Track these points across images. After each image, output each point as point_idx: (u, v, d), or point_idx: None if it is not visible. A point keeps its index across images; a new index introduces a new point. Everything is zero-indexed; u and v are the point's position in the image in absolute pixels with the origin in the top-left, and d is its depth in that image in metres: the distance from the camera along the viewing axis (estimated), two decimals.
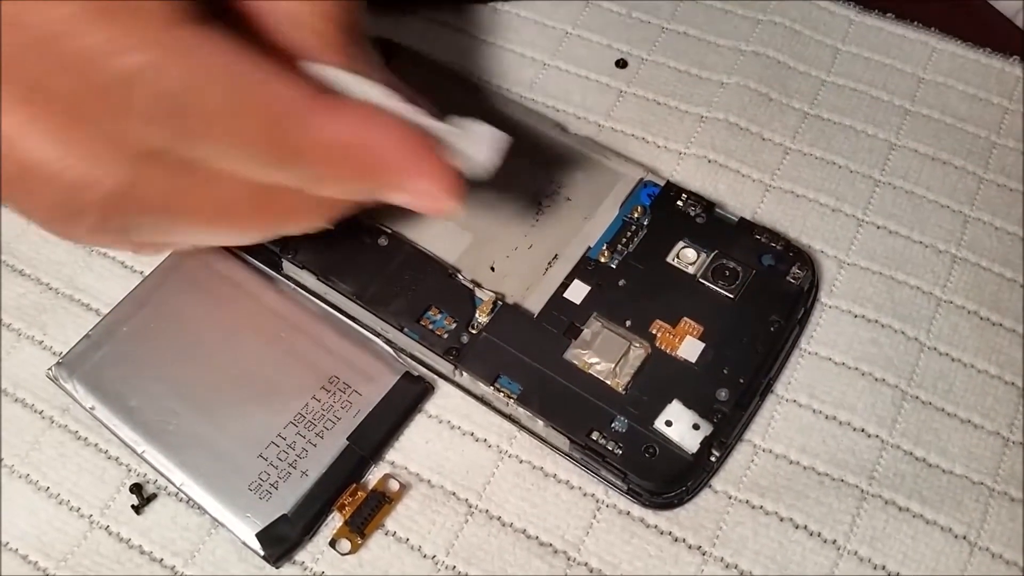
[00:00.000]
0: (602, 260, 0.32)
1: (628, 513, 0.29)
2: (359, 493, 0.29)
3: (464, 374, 0.30)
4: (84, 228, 0.25)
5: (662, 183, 0.33)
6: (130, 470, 0.30)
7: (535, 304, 0.31)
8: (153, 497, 0.29)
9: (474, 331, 0.31)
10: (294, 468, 0.29)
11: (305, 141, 0.23)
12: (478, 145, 0.26)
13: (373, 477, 0.29)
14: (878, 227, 0.34)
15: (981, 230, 0.34)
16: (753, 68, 0.38)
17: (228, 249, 0.33)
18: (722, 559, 0.28)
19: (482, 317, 0.31)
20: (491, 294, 0.31)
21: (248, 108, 0.22)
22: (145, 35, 0.21)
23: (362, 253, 0.32)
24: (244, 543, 0.28)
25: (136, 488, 0.29)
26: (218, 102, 0.22)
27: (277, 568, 0.28)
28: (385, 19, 0.38)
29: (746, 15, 0.39)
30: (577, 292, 0.31)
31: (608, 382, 0.30)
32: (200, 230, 0.26)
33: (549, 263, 0.32)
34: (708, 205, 0.33)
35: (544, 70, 0.38)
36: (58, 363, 0.31)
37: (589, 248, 0.32)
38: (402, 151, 0.23)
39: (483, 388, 0.30)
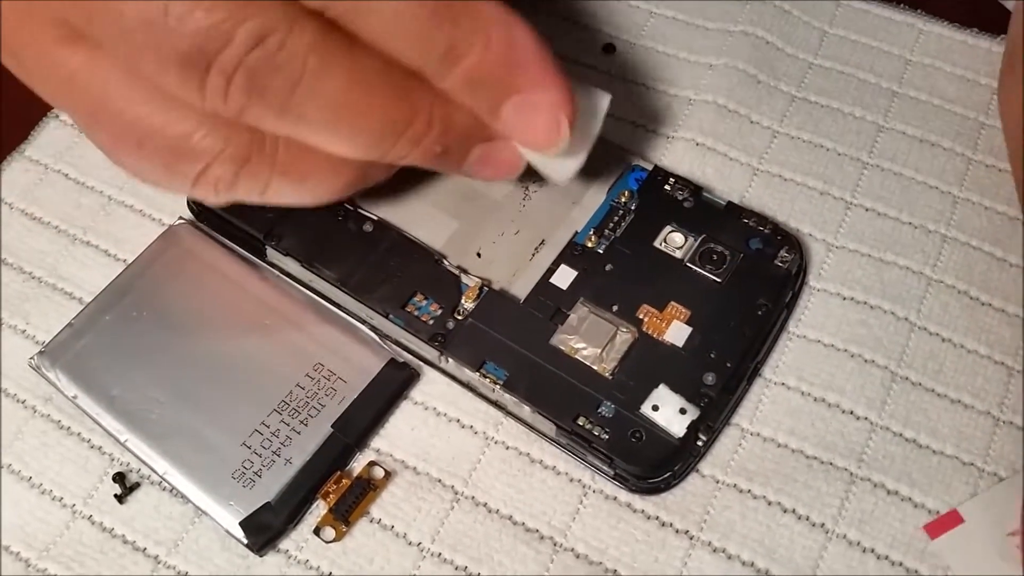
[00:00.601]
0: (589, 245, 0.32)
1: (615, 498, 0.29)
2: (344, 481, 0.28)
3: (450, 360, 0.30)
4: (209, 100, 0.23)
5: (650, 167, 0.33)
6: (113, 459, 0.30)
7: (521, 290, 0.31)
8: (136, 486, 0.29)
9: (460, 317, 0.30)
10: (278, 456, 0.29)
11: (463, 16, 0.23)
12: (596, 100, 0.27)
13: (358, 464, 0.29)
14: (866, 209, 0.34)
15: (970, 210, 0.34)
16: (742, 49, 0.37)
17: (212, 236, 0.33)
18: (710, 543, 0.28)
19: (468, 303, 0.31)
20: (477, 280, 0.31)
21: None
22: None
23: (347, 239, 0.32)
24: (228, 531, 0.28)
25: (119, 477, 0.29)
26: None
27: (261, 556, 0.28)
28: None
29: None
30: (564, 277, 0.31)
31: (595, 367, 0.29)
32: (315, 127, 0.24)
33: (536, 248, 0.32)
34: (695, 189, 0.33)
35: None
36: (40, 352, 0.30)
37: (576, 233, 0.32)
38: (539, 62, 0.24)
39: (469, 374, 0.30)
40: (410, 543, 0.28)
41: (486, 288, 0.31)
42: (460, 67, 0.24)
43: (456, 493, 0.29)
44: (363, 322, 0.31)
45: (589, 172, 0.33)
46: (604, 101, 0.27)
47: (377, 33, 0.23)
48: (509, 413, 0.30)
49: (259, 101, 0.23)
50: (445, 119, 0.25)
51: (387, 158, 0.25)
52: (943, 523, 0.28)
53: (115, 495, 0.29)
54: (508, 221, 0.32)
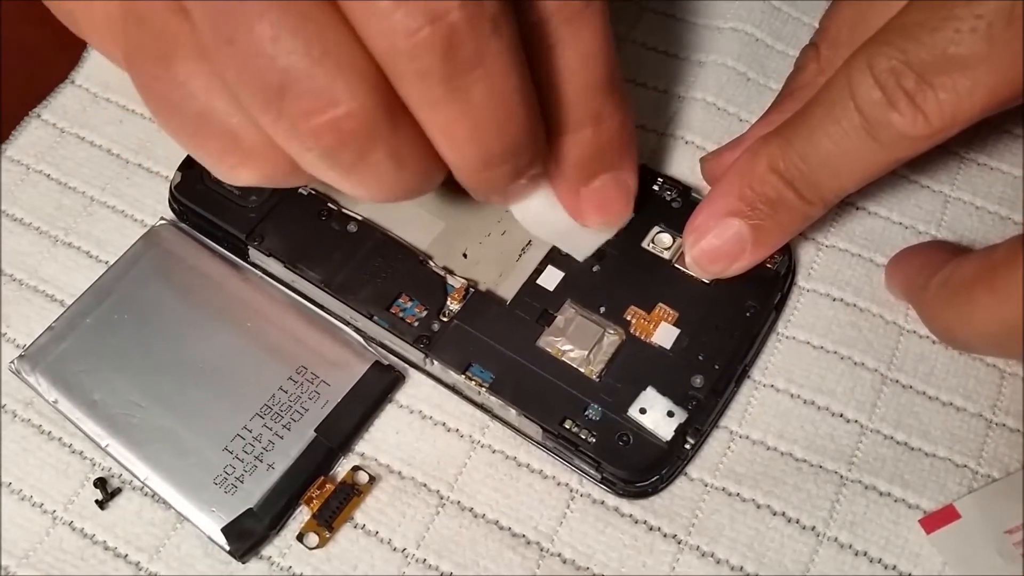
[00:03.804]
0: None
1: (602, 502, 0.28)
2: (327, 486, 0.28)
3: (435, 363, 0.30)
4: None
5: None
6: (94, 464, 0.29)
7: (508, 291, 0.31)
8: (117, 491, 0.29)
9: (445, 319, 0.30)
10: (260, 461, 0.28)
11: (620, 91, 0.26)
12: None
13: (342, 469, 0.29)
14: (857, 208, 0.33)
15: (962, 210, 0.33)
16: (731, 46, 0.37)
17: (194, 236, 0.32)
18: (698, 547, 0.28)
19: (454, 304, 0.30)
20: (463, 281, 0.30)
21: None
22: None
23: (331, 240, 0.31)
24: (210, 538, 0.27)
25: (100, 482, 0.29)
26: None
27: (243, 563, 0.28)
28: None
29: None
30: (551, 278, 0.31)
31: (581, 369, 0.29)
32: (466, 115, 0.23)
33: (523, 249, 0.31)
34: (684, 189, 0.32)
35: None
36: (20, 356, 0.30)
37: None
38: (634, 150, 0.28)
39: (455, 377, 0.29)
40: (395, 549, 0.28)
41: (472, 289, 0.30)
42: (598, 128, 0.26)
43: (441, 498, 0.29)
44: (347, 324, 0.31)
45: None
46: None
47: (566, 65, 0.25)
48: (495, 416, 0.30)
49: (447, 55, 0.22)
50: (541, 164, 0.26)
51: (482, 175, 0.25)
52: (939, 518, 0.28)
53: (96, 501, 0.29)
54: (495, 221, 0.32)
